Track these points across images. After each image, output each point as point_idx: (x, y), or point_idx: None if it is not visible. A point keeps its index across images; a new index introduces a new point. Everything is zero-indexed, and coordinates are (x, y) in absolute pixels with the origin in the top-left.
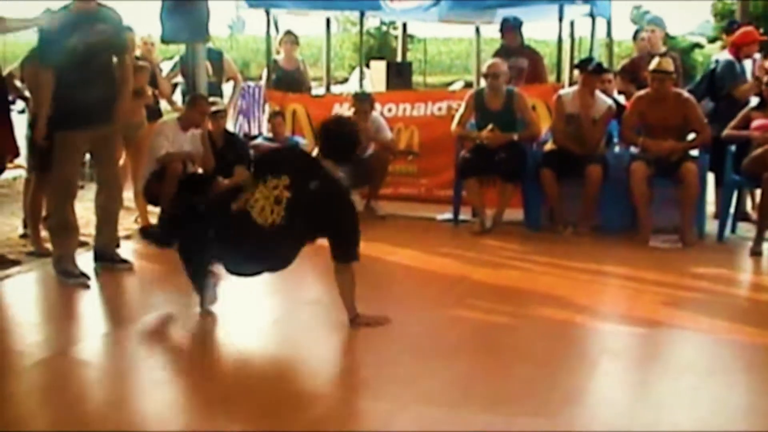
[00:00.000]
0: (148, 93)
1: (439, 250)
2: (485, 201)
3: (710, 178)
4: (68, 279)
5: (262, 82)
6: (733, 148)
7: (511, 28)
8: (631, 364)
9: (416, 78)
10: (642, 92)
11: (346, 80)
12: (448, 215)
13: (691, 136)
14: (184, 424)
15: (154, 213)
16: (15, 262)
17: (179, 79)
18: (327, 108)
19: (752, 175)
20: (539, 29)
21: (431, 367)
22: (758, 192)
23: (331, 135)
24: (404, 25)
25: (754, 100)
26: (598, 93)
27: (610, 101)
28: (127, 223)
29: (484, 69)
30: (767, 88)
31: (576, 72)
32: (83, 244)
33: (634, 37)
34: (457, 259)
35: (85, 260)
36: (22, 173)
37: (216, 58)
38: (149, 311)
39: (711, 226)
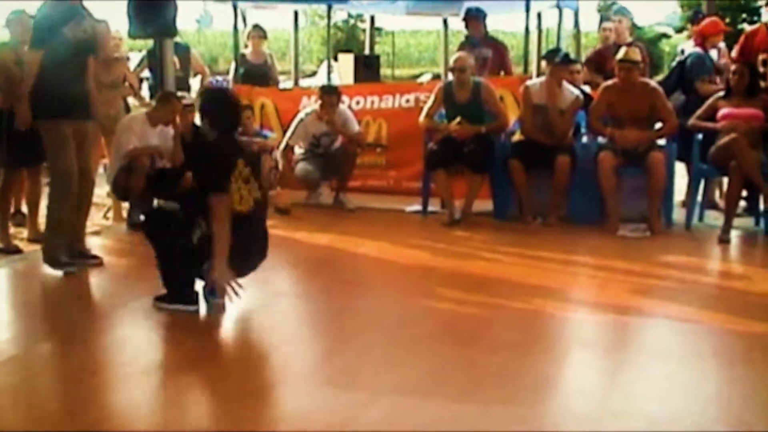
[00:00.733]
0: (126, 85)
1: (409, 242)
2: (454, 192)
3: (679, 167)
4: (58, 267)
5: (230, 77)
6: (700, 137)
7: (474, 18)
8: (601, 352)
9: (384, 71)
10: (609, 82)
11: (314, 73)
12: (417, 207)
13: (659, 125)
14: (155, 418)
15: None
16: None
17: (146, 73)
18: (295, 101)
19: (719, 164)
20: (507, 21)
21: (403, 358)
22: (726, 180)
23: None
24: (372, 18)
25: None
26: (566, 84)
27: (577, 92)
28: (97, 218)
29: (451, 63)
30: (734, 78)
31: (543, 63)
32: None
33: (599, 27)
34: (427, 251)
35: None
36: None
37: (183, 52)
38: (120, 307)
39: (679, 214)
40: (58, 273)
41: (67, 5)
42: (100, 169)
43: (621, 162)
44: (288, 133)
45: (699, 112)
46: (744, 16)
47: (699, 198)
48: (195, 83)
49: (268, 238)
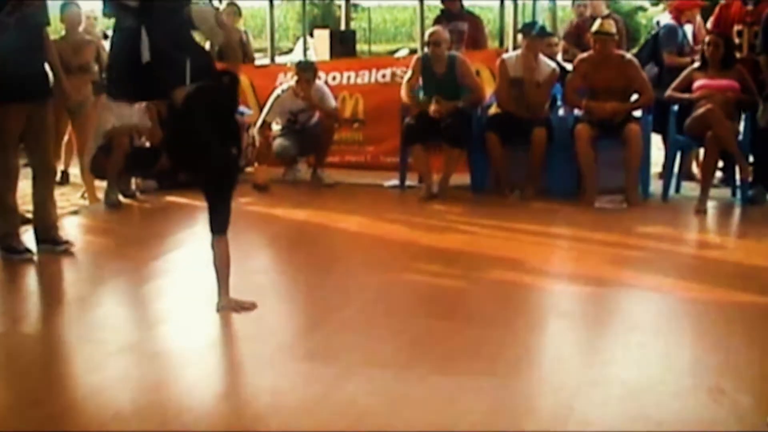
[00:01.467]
0: (94, 69)
1: (387, 217)
2: (431, 167)
3: (656, 139)
4: (13, 255)
5: None
6: (676, 108)
7: None
8: (579, 323)
9: (361, 46)
10: (584, 54)
11: (290, 50)
12: (395, 182)
13: (635, 97)
14: (129, 399)
15: (101, 188)
16: None
17: None
18: (271, 78)
19: (696, 134)
20: None
21: (380, 331)
22: (702, 151)
23: None
24: None
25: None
26: (542, 57)
27: (553, 64)
28: (74, 198)
29: (426, 37)
30: (708, 49)
31: (519, 37)
32: (27, 221)
33: (573, 1)
34: (405, 225)
35: (28, 239)
36: None
37: None
38: (95, 287)
39: (656, 186)
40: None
41: None
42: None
43: (597, 134)
44: (265, 110)
45: (675, 83)
46: None
47: (675, 169)
48: None
49: None
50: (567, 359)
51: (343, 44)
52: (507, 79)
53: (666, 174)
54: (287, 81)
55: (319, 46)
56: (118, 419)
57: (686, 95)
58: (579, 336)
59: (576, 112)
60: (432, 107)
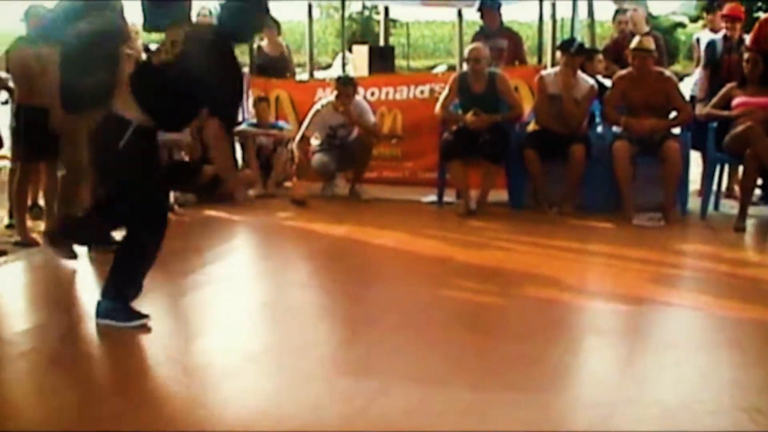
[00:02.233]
0: None
1: (425, 232)
2: (469, 182)
3: (694, 156)
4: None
5: (245, 69)
6: (715, 125)
7: (489, 8)
8: (616, 340)
9: (399, 62)
10: (623, 71)
11: (329, 66)
12: (433, 197)
13: (673, 114)
14: (168, 412)
15: None
16: (1, 252)
17: None
18: (310, 93)
19: (735, 152)
20: (521, 11)
21: (418, 346)
22: (741, 169)
23: None
24: (386, 9)
25: None
26: (580, 73)
27: (592, 81)
28: None
29: (465, 54)
30: (748, 66)
31: (558, 53)
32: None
33: (614, 18)
34: (443, 241)
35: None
36: (7, 164)
37: None
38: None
39: (694, 203)
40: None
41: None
42: None
43: (636, 151)
44: (304, 125)
45: (714, 100)
46: (760, 4)
47: (714, 186)
48: None
49: None
50: (603, 377)
51: (382, 60)
52: (545, 95)
53: (704, 191)
54: (326, 96)
55: (358, 61)
56: None
57: (725, 112)
58: (615, 353)
59: (615, 128)
60: (469, 117)
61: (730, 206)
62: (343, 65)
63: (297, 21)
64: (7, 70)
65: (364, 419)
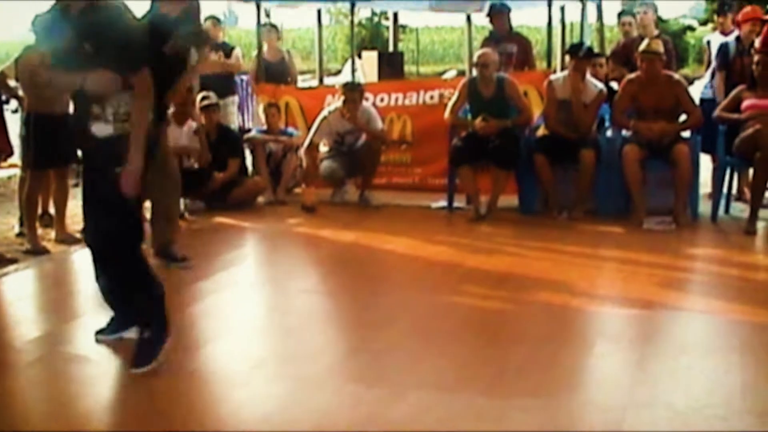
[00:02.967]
0: None
1: (435, 238)
2: (479, 188)
3: (704, 159)
4: (171, 263)
5: (245, 76)
6: (724, 128)
7: (499, 13)
8: (626, 345)
9: (409, 68)
10: (632, 75)
11: (339, 72)
12: (443, 203)
13: (683, 117)
14: (178, 419)
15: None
16: (12, 261)
17: None
18: (320, 100)
19: (744, 155)
20: (530, 15)
21: (429, 353)
22: (751, 171)
23: None
24: (395, 15)
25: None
26: (589, 77)
27: (601, 85)
28: None
29: (474, 59)
30: (758, 68)
31: (567, 57)
32: (79, 241)
33: (618, 20)
34: (453, 246)
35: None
36: (17, 172)
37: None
38: None
39: (705, 206)
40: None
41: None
42: None
43: (646, 155)
44: (311, 131)
45: (723, 103)
46: None
47: (725, 190)
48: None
49: None
50: (615, 381)
51: (391, 66)
52: (555, 100)
53: (715, 195)
54: (335, 102)
55: (367, 67)
56: None
57: (735, 115)
58: (627, 358)
59: (624, 132)
60: (478, 122)
61: (740, 209)
62: (353, 71)
63: (306, 28)
64: (17, 79)
65: (374, 426)
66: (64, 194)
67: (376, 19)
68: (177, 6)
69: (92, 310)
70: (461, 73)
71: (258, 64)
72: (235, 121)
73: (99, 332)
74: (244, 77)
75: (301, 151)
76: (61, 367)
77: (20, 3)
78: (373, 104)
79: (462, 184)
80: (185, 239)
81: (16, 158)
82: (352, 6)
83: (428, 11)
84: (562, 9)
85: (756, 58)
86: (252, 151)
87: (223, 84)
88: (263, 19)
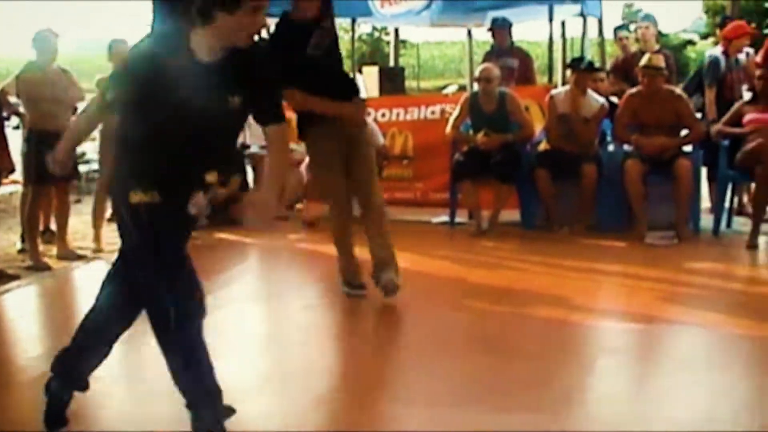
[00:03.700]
0: None
1: (436, 253)
2: (481, 203)
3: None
4: (351, 291)
5: None
6: (726, 142)
7: (500, 27)
8: (629, 360)
9: (410, 83)
10: (634, 90)
11: None
12: (445, 218)
13: (684, 132)
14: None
15: None
16: (14, 277)
17: None
18: None
19: (746, 169)
20: (531, 30)
21: (434, 369)
22: (753, 185)
23: None
24: (396, 30)
25: (747, 95)
26: (590, 92)
27: (602, 100)
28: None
29: (476, 73)
30: (759, 82)
31: (568, 72)
32: (80, 257)
33: (615, 35)
34: (455, 262)
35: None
36: (19, 188)
37: None
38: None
39: (707, 221)
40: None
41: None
42: None
43: (647, 169)
44: None
45: (725, 117)
46: None
47: (726, 204)
48: None
49: None
50: (616, 396)
51: (392, 81)
52: (556, 115)
53: (716, 209)
54: None
55: (368, 82)
56: None
57: (737, 129)
58: (629, 373)
59: (626, 147)
60: (480, 137)
61: (742, 223)
62: None
63: None
64: (18, 95)
65: None
66: (65, 210)
67: (377, 34)
68: (314, 4)
69: None
70: (462, 88)
71: None
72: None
73: None
74: None
75: (302, 167)
76: None
77: (21, 19)
78: (375, 120)
79: (463, 199)
80: None
81: (17, 175)
82: (353, 21)
83: (429, 26)
84: (563, 24)
85: (758, 72)
86: (253, 167)
87: None
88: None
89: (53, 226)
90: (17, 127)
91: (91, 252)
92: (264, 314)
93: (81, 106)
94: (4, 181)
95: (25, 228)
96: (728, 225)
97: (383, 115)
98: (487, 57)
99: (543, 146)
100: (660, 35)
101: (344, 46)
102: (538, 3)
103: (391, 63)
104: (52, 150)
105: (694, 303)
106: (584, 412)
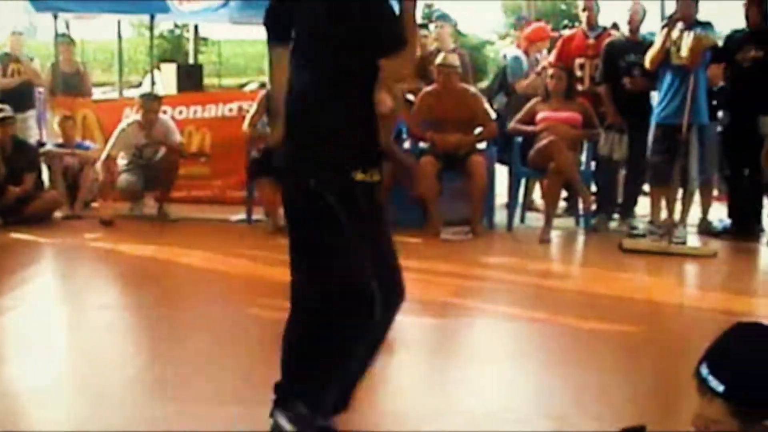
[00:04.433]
0: None
1: (233, 251)
2: (277, 200)
3: (501, 170)
4: None
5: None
6: (519, 140)
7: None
8: (422, 354)
9: (211, 80)
10: (429, 87)
11: (140, 84)
12: (242, 216)
13: (479, 129)
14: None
15: None
16: None
17: None
18: (118, 112)
19: (539, 165)
20: None
21: (225, 366)
22: (545, 182)
23: None
24: (196, 28)
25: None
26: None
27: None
28: None
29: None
30: (551, 81)
31: None
32: None
33: None
34: (251, 259)
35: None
36: None
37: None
38: None
39: (501, 217)
40: None
41: None
42: None
43: (442, 166)
44: (109, 144)
45: (518, 116)
46: (566, 22)
47: (520, 200)
48: None
49: None
50: (410, 390)
51: (190, 78)
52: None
53: (510, 205)
54: (133, 115)
55: (166, 80)
56: None
57: (529, 128)
58: (422, 366)
59: (421, 144)
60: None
61: (536, 219)
62: (152, 84)
63: (109, 39)
64: None
65: None
66: None
67: (178, 31)
68: None
69: None
70: (263, 85)
71: (54, 76)
72: (33, 136)
73: None
74: (42, 90)
75: (98, 165)
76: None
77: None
78: (172, 117)
79: (260, 197)
80: None
81: None
82: (152, 18)
83: (229, 24)
84: None
85: (551, 71)
86: (48, 165)
87: (22, 97)
88: (61, 31)
89: None
90: None
91: None
92: (59, 315)
93: None
94: None
95: None
96: (522, 220)
97: (180, 112)
98: None
99: None
100: (459, 35)
101: (145, 43)
102: None
103: (191, 60)
104: None
105: (488, 296)
106: (375, 406)
